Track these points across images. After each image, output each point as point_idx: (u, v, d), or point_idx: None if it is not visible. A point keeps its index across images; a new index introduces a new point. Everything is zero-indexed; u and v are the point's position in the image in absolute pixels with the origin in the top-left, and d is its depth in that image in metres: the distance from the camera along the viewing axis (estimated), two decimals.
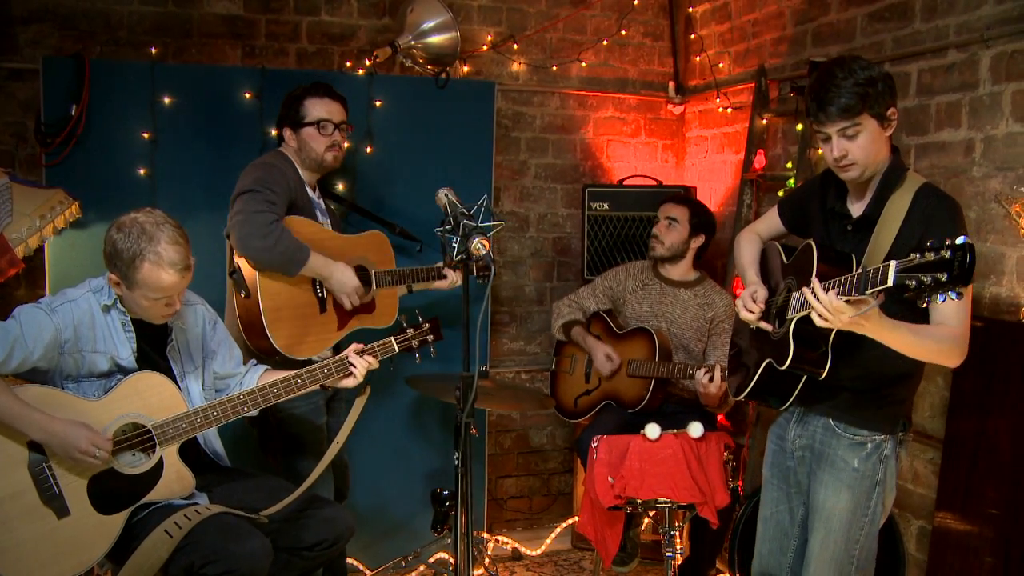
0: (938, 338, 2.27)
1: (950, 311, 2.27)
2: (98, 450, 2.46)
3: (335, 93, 3.31)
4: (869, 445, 2.47)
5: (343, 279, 3.17)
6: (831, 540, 2.52)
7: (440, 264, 3.53)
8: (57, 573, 2.45)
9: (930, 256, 1.89)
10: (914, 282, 1.90)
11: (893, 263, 1.97)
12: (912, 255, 1.93)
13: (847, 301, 2.09)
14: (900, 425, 2.49)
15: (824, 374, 2.37)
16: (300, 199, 3.19)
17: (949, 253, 1.86)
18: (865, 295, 2.04)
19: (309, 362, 3.09)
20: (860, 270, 2.12)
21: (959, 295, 1.88)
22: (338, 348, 3.22)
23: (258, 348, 3.10)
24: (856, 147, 2.34)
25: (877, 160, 2.39)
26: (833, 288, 2.14)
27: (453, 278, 3.51)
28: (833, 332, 2.30)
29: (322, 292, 3.20)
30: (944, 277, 1.86)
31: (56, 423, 2.45)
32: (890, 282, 1.96)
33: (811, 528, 2.59)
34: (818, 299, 2.13)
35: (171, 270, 2.54)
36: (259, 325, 3.03)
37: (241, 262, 3.06)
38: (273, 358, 3.07)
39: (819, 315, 2.15)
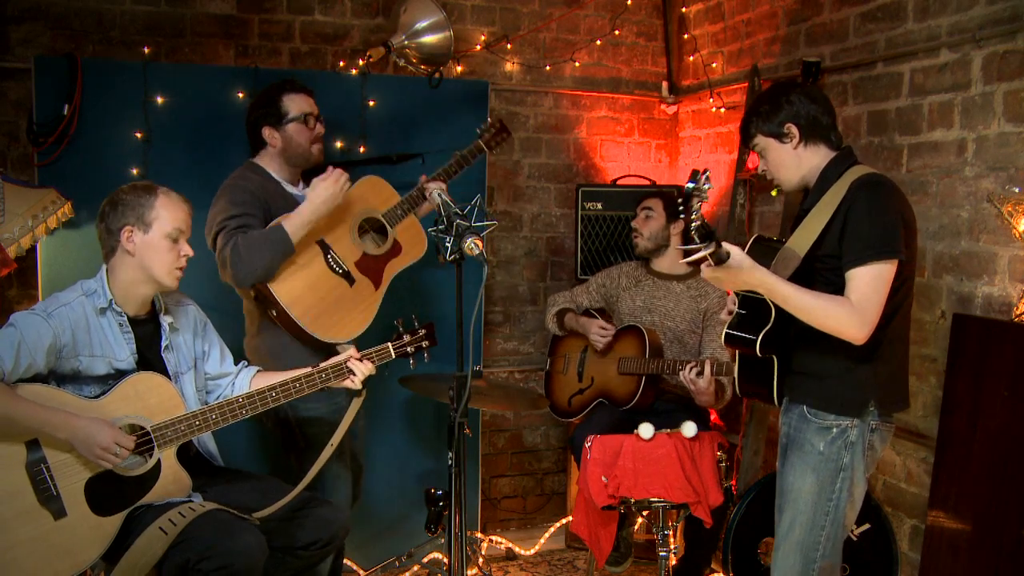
0: (826, 303, 2.41)
1: (852, 284, 2.42)
2: (120, 447, 2.47)
3: (307, 87, 3.29)
4: (835, 429, 2.53)
5: (318, 196, 3.05)
6: (797, 523, 2.59)
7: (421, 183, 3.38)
8: (52, 574, 2.44)
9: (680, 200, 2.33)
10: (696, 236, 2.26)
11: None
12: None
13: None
14: (869, 412, 2.51)
15: (757, 344, 2.54)
16: (276, 200, 3.15)
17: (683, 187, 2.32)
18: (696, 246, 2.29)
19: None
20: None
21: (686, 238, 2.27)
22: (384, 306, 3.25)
23: (317, 348, 3.10)
24: (768, 163, 2.69)
25: (794, 170, 2.64)
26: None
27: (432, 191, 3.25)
28: (772, 315, 2.53)
29: (340, 268, 3.17)
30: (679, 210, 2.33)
31: (79, 420, 2.46)
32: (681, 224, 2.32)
33: (779, 511, 2.66)
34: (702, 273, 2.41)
35: (182, 201, 2.73)
36: (304, 332, 3.04)
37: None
38: (331, 349, 3.06)
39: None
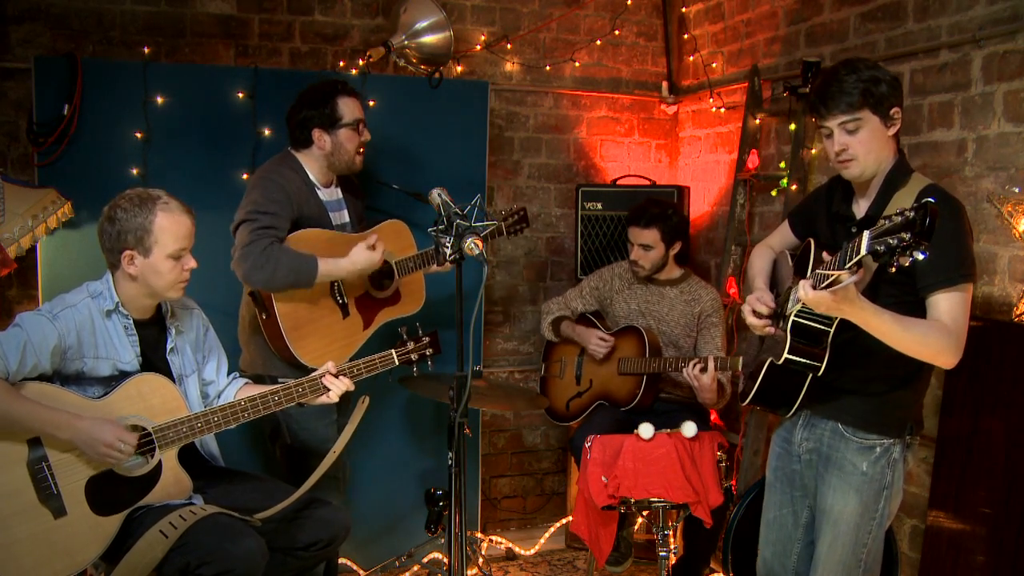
0: (924, 330, 2.28)
1: (943, 307, 2.29)
2: (123, 444, 2.47)
3: (355, 90, 3.29)
4: (878, 449, 2.49)
5: (358, 262, 3.10)
6: (839, 543, 2.53)
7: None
8: (51, 573, 2.44)
9: (897, 219, 1.94)
10: (883, 246, 1.94)
11: (866, 232, 2.00)
12: (881, 221, 1.98)
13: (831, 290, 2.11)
14: (908, 428, 2.50)
15: (822, 369, 2.40)
16: (307, 205, 3.14)
17: (912, 213, 1.91)
18: (845, 268, 2.05)
19: None
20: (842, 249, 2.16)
21: (925, 253, 1.91)
22: (366, 346, 3.23)
23: (287, 362, 3.10)
24: (856, 142, 2.39)
25: (879, 158, 2.41)
26: (809, 279, 2.18)
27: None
28: (833, 329, 2.37)
29: (342, 298, 3.18)
30: (908, 236, 1.90)
31: (82, 420, 2.45)
32: (863, 250, 1.99)
33: (818, 531, 2.60)
34: (806, 293, 2.17)
35: (183, 213, 2.62)
36: (284, 344, 3.04)
37: None
38: (305, 370, 3.05)
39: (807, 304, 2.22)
